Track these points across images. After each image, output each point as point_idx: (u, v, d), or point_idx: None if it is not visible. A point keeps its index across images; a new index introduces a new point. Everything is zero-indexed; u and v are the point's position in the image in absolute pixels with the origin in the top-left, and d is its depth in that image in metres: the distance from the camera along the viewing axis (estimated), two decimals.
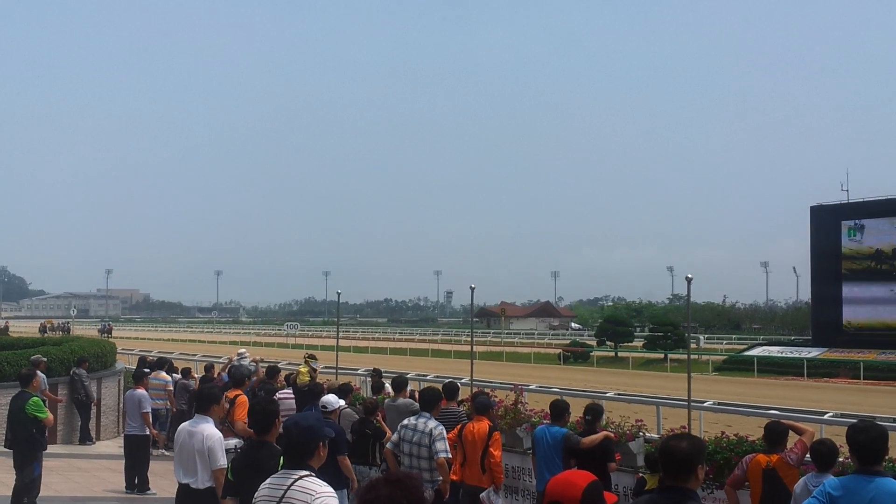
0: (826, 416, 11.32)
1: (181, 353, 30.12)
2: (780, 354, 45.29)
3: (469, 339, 16.33)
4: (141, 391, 12.68)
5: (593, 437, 8.47)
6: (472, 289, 14.33)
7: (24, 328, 69.87)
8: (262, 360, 18.75)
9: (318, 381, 12.82)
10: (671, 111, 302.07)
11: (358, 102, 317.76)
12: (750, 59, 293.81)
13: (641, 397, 15.86)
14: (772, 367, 42.28)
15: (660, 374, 41.54)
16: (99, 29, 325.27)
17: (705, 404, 12.97)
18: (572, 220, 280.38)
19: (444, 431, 8.07)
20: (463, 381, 13.94)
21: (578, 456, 8.30)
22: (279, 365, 16.78)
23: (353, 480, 8.49)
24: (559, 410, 8.74)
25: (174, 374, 16.65)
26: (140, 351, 29.50)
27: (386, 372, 15.84)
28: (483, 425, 8.45)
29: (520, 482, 10.74)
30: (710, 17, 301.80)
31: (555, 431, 8.56)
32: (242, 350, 19.65)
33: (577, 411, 9.38)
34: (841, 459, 6.58)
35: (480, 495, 8.32)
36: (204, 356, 27.05)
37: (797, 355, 43.61)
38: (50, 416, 10.51)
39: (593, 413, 8.80)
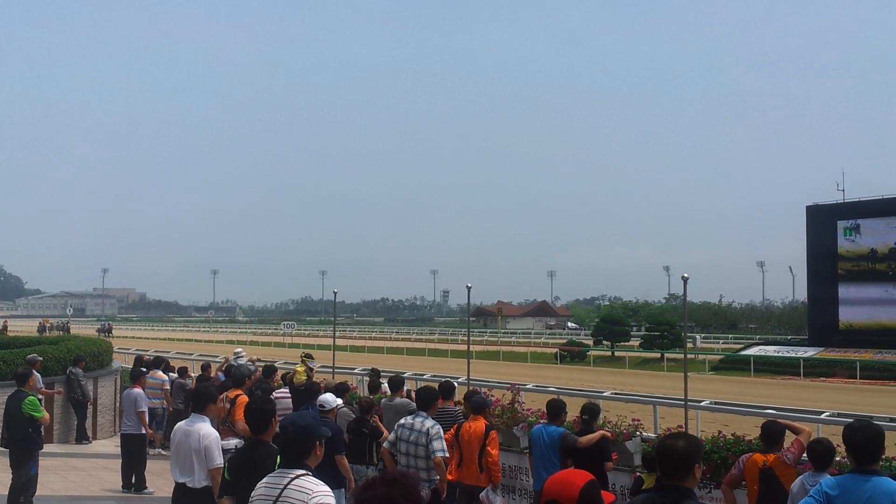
0: (823, 416, 11.33)
1: (178, 353, 30.07)
2: (776, 354, 45.35)
3: (466, 338, 16.33)
4: (137, 390, 12.66)
5: (590, 436, 8.47)
6: (469, 288, 14.33)
7: (23, 327, 69.79)
8: (259, 360, 18.74)
9: (314, 380, 12.81)
10: (668, 111, 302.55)
11: (357, 102, 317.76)
12: (746, 60, 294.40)
13: (638, 396, 15.86)
14: (768, 367, 42.34)
15: (656, 373, 41.59)
16: (98, 28, 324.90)
17: (702, 404, 12.97)
18: (569, 219, 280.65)
19: (441, 431, 8.06)
20: (460, 380, 13.95)
21: (575, 455, 8.30)
22: (276, 364, 16.75)
23: (351, 480, 8.49)
24: (556, 410, 8.75)
25: (171, 374, 16.63)
26: (136, 350, 29.46)
27: (383, 371, 15.82)
28: (479, 424, 8.45)
29: (517, 481, 10.74)
30: (710, 17, 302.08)
31: (552, 431, 8.56)
32: (239, 349, 19.63)
33: (573, 410, 9.39)
34: (837, 459, 6.59)
35: (480, 495, 8.32)
36: (200, 355, 27.00)
37: (794, 355, 43.69)
38: (46, 415, 10.49)
39: (590, 412, 8.81)
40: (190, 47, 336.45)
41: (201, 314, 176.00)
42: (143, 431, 12.53)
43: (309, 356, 15.91)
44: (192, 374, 17.01)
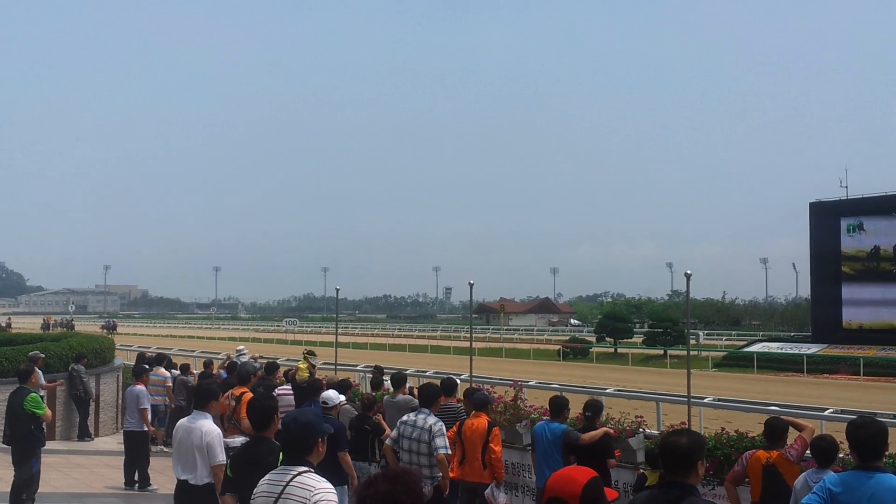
0: (826, 413, 11.31)
1: (180, 349, 30.09)
2: (779, 351, 45.29)
3: (468, 335, 16.34)
4: (140, 387, 12.66)
5: (593, 433, 8.46)
6: (471, 285, 14.32)
7: (26, 324, 69.90)
8: (261, 357, 18.73)
9: (316, 377, 12.81)
10: (670, 109, 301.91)
11: (358, 102, 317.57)
12: (749, 58, 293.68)
13: (641, 393, 15.83)
14: (771, 364, 42.30)
15: (659, 370, 41.60)
16: (97, 26, 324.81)
17: (705, 400, 12.95)
18: (572, 216, 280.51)
19: (444, 428, 8.06)
20: (462, 377, 13.93)
21: (578, 452, 8.29)
22: (278, 361, 16.75)
23: (354, 477, 8.49)
24: (559, 407, 8.74)
25: (173, 371, 16.64)
26: (139, 347, 29.48)
27: (385, 368, 15.81)
28: (482, 421, 8.45)
29: (519, 478, 10.74)
30: (710, 17, 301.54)
31: (554, 428, 8.55)
32: (241, 347, 19.62)
33: (576, 407, 9.38)
34: (841, 455, 6.57)
35: (485, 492, 8.32)
36: (203, 352, 27.01)
37: (797, 351, 43.63)
38: (48, 411, 10.50)
39: (593, 409, 8.80)
40: (190, 47, 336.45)
41: (203, 311, 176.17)
42: (146, 429, 12.54)
43: (311, 353, 15.88)
44: (195, 371, 17.03)
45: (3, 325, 59.80)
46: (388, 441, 8.44)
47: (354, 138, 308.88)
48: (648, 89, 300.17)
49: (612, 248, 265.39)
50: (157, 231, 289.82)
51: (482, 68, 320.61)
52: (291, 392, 12.11)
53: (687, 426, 9.15)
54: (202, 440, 6.60)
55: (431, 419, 8.01)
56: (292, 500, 4.22)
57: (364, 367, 19.07)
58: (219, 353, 23.94)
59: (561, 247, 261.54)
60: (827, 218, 45.60)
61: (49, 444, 11.64)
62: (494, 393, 11.93)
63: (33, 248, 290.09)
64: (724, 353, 48.90)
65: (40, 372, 14.03)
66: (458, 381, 11.06)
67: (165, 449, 14.45)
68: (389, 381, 11.54)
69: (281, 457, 4.59)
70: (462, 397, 9.91)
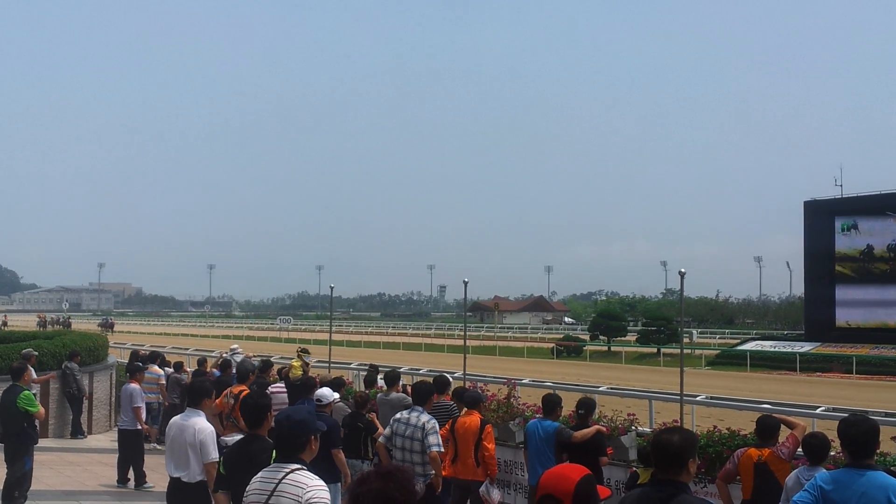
0: (818, 411, 11.33)
1: (173, 347, 30.08)
2: (772, 349, 45.45)
3: (462, 333, 16.35)
4: (134, 386, 12.63)
5: (585, 431, 8.48)
6: (466, 283, 14.35)
7: (21, 322, 69.69)
8: (254, 357, 18.72)
9: (310, 374, 12.81)
10: (665, 109, 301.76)
11: (354, 100, 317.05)
12: (745, 58, 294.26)
13: (634, 391, 15.85)
14: (765, 362, 42.45)
15: (653, 368, 41.69)
16: (96, 24, 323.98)
17: (698, 398, 12.97)
18: (566, 215, 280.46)
19: (437, 425, 8.07)
20: (456, 375, 13.95)
21: (570, 450, 8.31)
22: (272, 359, 16.74)
23: (347, 474, 8.50)
24: (551, 404, 8.76)
25: (166, 368, 16.62)
26: (132, 345, 29.45)
27: (379, 367, 15.82)
28: (474, 419, 8.47)
29: (512, 476, 10.75)
30: (710, 17, 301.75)
31: (547, 425, 8.57)
32: (235, 345, 19.63)
33: (569, 405, 9.40)
34: (832, 453, 6.59)
35: (479, 489, 8.34)
36: (196, 350, 26.98)
37: (790, 350, 43.79)
38: (41, 409, 10.48)
39: (586, 407, 8.82)
40: (187, 44, 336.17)
41: (197, 309, 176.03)
42: (139, 427, 12.52)
43: (305, 351, 15.88)
44: (188, 369, 17.00)
45: (0, 323, 59.68)
46: (381, 439, 8.45)
47: (350, 137, 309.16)
48: (644, 88, 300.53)
49: (607, 247, 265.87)
50: (152, 229, 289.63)
51: (482, 68, 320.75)
52: (285, 390, 12.11)
53: (679, 424, 9.16)
54: (195, 438, 6.60)
55: (425, 417, 8.02)
56: (285, 498, 4.22)
57: (358, 365, 19.07)
58: (213, 352, 23.94)
59: (555, 245, 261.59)
60: (821, 217, 45.71)
61: (42, 442, 11.62)
62: (488, 391, 11.95)
63: (27, 246, 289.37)
64: (718, 351, 49.04)
65: (33, 370, 14.01)
66: (451, 379, 11.08)
67: (158, 447, 14.43)
68: (382, 379, 11.55)
69: (274, 454, 4.59)
70: (451, 396, 9.91)
